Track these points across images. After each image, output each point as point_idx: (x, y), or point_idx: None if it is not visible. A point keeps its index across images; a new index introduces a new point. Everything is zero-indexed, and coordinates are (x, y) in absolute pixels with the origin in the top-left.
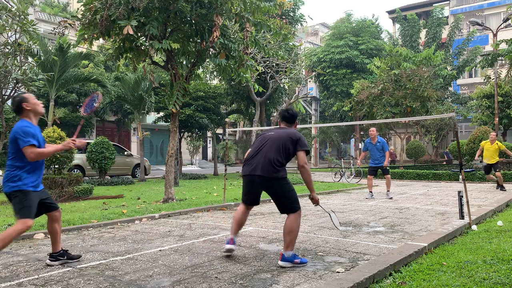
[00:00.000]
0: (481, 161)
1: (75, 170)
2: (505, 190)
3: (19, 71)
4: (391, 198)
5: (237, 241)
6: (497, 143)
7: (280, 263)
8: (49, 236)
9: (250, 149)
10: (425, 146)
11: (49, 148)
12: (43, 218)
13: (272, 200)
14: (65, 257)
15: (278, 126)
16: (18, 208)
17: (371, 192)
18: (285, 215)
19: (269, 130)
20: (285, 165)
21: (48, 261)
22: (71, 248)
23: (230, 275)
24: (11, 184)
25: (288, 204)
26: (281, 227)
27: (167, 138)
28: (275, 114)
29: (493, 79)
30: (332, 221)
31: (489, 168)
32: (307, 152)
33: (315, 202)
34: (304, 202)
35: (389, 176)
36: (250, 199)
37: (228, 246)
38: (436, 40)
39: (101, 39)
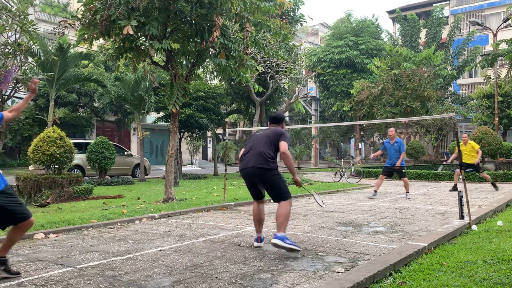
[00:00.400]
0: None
1: (75, 170)
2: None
3: (19, 71)
4: (409, 198)
5: (264, 237)
6: (470, 143)
7: (273, 240)
8: (49, 236)
9: (243, 149)
10: (425, 146)
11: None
12: (42, 218)
13: (270, 199)
14: (2, 267)
15: (268, 127)
16: None
17: (375, 191)
18: None
19: (259, 130)
20: (275, 159)
21: None
22: (71, 248)
23: (230, 275)
24: None
25: (279, 193)
26: None
27: (167, 138)
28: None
29: (493, 79)
30: (316, 201)
31: (475, 167)
32: (289, 144)
33: (298, 184)
34: (304, 202)
35: (406, 178)
36: (254, 194)
37: (257, 244)
38: (436, 40)
39: (101, 39)
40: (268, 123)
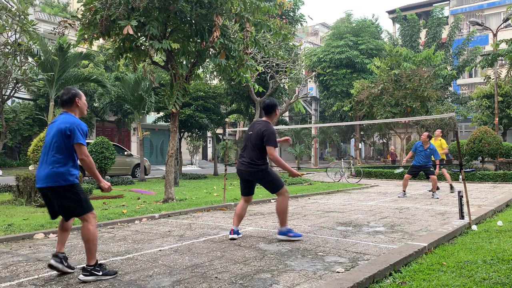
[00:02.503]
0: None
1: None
2: (453, 192)
3: (19, 71)
4: (437, 198)
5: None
6: (440, 140)
7: (278, 236)
8: (49, 236)
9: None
10: None
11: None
12: (42, 218)
13: (271, 201)
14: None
15: (259, 119)
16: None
17: (404, 191)
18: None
19: (251, 125)
20: (264, 159)
21: None
22: (71, 248)
23: (230, 275)
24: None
25: (273, 186)
26: None
27: (167, 138)
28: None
29: (493, 79)
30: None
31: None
32: (275, 146)
33: (296, 175)
34: (304, 203)
35: (434, 176)
36: (245, 191)
37: (231, 236)
38: (436, 40)
39: (101, 39)
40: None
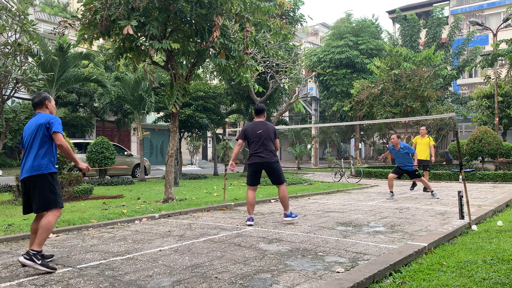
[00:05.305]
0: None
1: (75, 170)
2: (429, 192)
3: (19, 71)
4: (438, 198)
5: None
6: (428, 137)
7: (285, 219)
8: (49, 236)
9: (251, 145)
10: None
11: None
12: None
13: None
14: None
15: (258, 121)
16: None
17: (391, 191)
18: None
19: (253, 125)
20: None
21: None
22: (71, 248)
23: (230, 275)
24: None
25: (279, 177)
26: (281, 227)
27: (167, 138)
28: (275, 114)
29: (493, 79)
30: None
31: (419, 165)
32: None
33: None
34: (304, 203)
35: (422, 178)
36: (255, 180)
37: (249, 223)
38: (436, 40)
39: (101, 39)
40: (254, 114)
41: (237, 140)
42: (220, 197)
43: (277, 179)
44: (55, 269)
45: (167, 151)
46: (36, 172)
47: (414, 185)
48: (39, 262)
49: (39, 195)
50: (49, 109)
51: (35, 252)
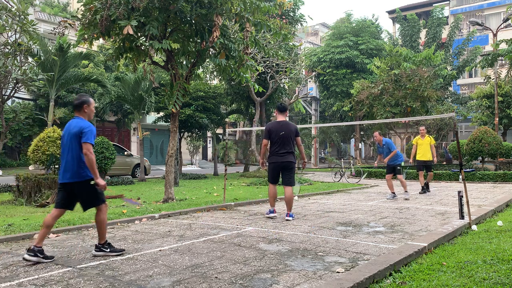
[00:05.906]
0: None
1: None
2: (429, 192)
3: (19, 71)
4: (406, 199)
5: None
6: (428, 137)
7: (287, 218)
8: (49, 236)
9: (273, 145)
10: None
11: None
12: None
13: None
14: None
15: (281, 120)
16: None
17: (393, 192)
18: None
19: (277, 125)
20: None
21: None
22: (71, 248)
23: (230, 275)
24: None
25: (291, 179)
26: (281, 227)
27: (167, 138)
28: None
29: (493, 79)
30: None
31: (422, 167)
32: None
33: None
34: (304, 203)
35: (400, 176)
36: (275, 178)
37: (272, 215)
38: (436, 40)
39: (101, 39)
40: (276, 111)
41: (263, 139)
42: (220, 197)
43: (288, 180)
44: (124, 250)
45: (167, 151)
46: (78, 179)
47: (426, 187)
48: (108, 250)
49: (86, 196)
50: (87, 113)
51: (102, 244)
